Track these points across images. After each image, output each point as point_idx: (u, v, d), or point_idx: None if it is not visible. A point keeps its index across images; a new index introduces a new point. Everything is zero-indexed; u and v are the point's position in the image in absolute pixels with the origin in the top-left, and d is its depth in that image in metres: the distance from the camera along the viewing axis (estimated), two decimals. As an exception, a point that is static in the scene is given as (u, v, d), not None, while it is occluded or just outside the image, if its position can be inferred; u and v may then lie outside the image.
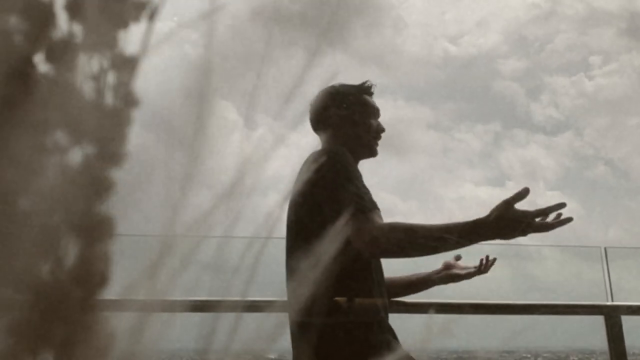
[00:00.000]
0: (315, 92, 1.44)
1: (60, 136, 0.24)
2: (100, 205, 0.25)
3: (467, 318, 1.79)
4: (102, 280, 0.25)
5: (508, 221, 1.18)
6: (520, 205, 1.19)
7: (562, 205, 1.19)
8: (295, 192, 1.05)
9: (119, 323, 0.26)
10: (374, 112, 1.49)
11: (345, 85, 1.49)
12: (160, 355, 0.28)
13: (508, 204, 1.18)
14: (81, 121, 0.24)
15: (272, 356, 0.32)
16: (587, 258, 2.29)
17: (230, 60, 0.30)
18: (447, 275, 1.58)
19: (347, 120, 1.46)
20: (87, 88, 0.25)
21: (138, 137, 0.26)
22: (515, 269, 2.23)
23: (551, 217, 1.20)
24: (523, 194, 1.19)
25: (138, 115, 0.26)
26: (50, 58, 0.24)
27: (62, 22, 0.24)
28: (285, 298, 0.40)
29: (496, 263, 1.56)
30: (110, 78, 0.25)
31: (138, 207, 0.27)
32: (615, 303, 1.94)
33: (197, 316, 0.29)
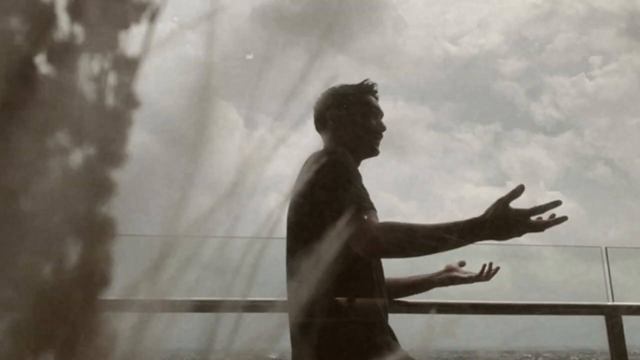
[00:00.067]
0: (315, 93, 1.44)
1: (62, 137, 0.24)
2: (101, 205, 0.25)
3: (468, 318, 1.79)
4: (103, 280, 0.25)
5: (503, 220, 1.17)
6: (521, 206, 1.18)
7: (557, 203, 1.18)
8: (296, 193, 1.06)
9: (120, 323, 0.26)
10: (375, 111, 1.49)
11: (346, 86, 1.49)
12: (161, 355, 0.28)
13: (503, 202, 1.18)
14: (82, 122, 0.24)
15: (273, 356, 0.32)
16: (587, 258, 2.29)
17: (231, 60, 0.30)
18: (448, 278, 1.58)
19: (348, 121, 1.46)
20: (88, 89, 0.25)
21: (139, 138, 0.26)
22: (515, 269, 2.23)
23: (547, 216, 1.19)
24: (518, 192, 1.18)
25: (139, 116, 0.26)
26: (51, 59, 0.24)
27: (63, 24, 0.24)
28: (285, 298, 0.40)
29: (496, 263, 1.56)
30: (111, 79, 0.25)
31: (139, 208, 0.27)
32: (615, 303, 1.94)
33: (198, 316, 0.29)
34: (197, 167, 0.28)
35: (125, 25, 0.25)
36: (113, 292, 0.25)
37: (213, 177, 0.29)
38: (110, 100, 0.25)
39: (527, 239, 1.22)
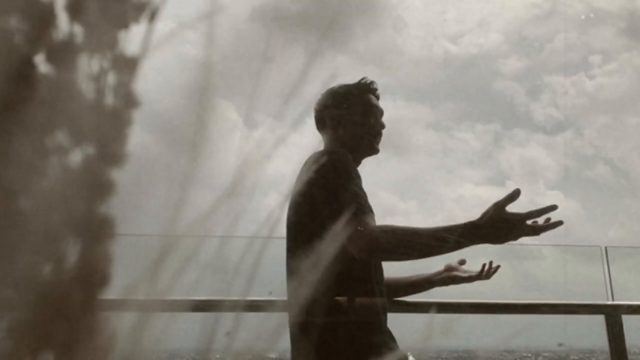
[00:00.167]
0: (315, 92, 1.44)
1: (61, 137, 0.24)
2: (100, 205, 0.25)
3: (467, 317, 1.79)
4: (102, 280, 0.25)
5: (499, 224, 1.17)
6: (519, 206, 1.18)
7: (553, 207, 1.18)
8: (296, 192, 1.06)
9: (120, 323, 0.26)
10: (374, 110, 1.49)
11: (345, 85, 1.49)
12: (160, 355, 0.28)
13: (499, 206, 1.17)
14: (81, 122, 0.24)
15: (273, 356, 0.32)
16: (587, 257, 2.29)
17: (230, 60, 0.30)
18: (448, 277, 1.58)
19: (347, 120, 1.46)
20: (87, 88, 0.25)
21: (138, 137, 0.26)
22: (515, 268, 2.23)
23: (542, 219, 1.19)
24: (514, 196, 1.17)
25: (138, 116, 0.26)
26: (50, 58, 0.24)
27: (63, 23, 0.24)
28: (285, 298, 0.40)
29: (496, 262, 1.56)
30: (111, 78, 0.25)
31: (138, 207, 0.27)
32: (615, 302, 1.94)
33: (197, 316, 0.29)
34: (196, 167, 0.28)
35: (124, 24, 0.25)
36: (112, 292, 0.25)
37: (213, 176, 0.29)
38: (109, 99, 0.25)
39: (527, 238, 1.22)
